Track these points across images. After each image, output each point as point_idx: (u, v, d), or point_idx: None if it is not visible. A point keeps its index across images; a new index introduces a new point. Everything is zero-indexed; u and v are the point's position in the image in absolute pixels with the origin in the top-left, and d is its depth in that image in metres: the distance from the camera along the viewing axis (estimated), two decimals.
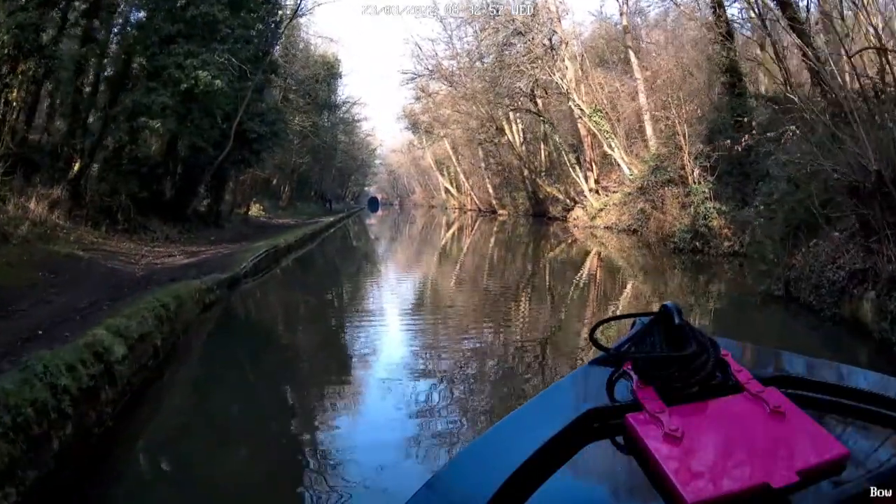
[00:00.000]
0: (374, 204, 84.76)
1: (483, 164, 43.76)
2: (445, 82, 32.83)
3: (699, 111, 15.92)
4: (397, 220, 52.50)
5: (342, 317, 9.62)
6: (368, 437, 4.52)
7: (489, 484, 0.82)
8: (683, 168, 15.29)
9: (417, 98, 39.28)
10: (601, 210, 23.78)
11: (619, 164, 28.79)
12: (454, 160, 50.43)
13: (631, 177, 22.65)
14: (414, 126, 48.04)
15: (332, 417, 5.08)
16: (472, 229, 34.20)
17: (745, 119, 14.06)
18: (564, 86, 22.34)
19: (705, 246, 14.10)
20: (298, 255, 18.12)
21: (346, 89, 62.63)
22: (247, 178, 32.74)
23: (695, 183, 14.64)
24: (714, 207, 13.72)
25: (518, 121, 33.92)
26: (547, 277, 14.35)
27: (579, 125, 28.54)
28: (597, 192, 26.13)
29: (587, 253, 18.85)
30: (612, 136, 23.09)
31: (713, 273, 13.28)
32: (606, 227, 22.88)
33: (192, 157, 18.65)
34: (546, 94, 23.16)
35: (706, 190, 13.67)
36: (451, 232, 34.53)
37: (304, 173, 42.99)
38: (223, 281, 9.97)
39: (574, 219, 27.58)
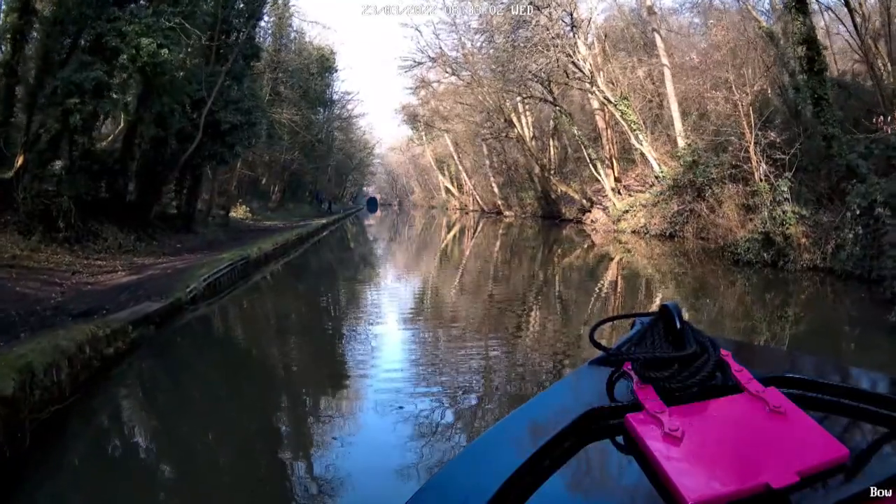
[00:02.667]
0: (372, 204, 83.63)
1: (487, 162, 40.92)
2: (448, 70, 29.91)
3: (768, 90, 13.12)
4: (396, 221, 49.73)
5: (314, 368, 6.81)
6: None
7: (489, 484, 0.81)
8: (748, 161, 12.47)
9: (416, 88, 36.28)
10: (626, 212, 20.97)
11: (641, 161, 26.13)
12: (455, 158, 47.60)
13: (662, 174, 19.88)
14: (413, 119, 45.13)
15: None
16: (476, 232, 31.42)
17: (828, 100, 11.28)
18: (587, 70, 19.50)
19: (780, 258, 11.30)
20: (279, 265, 15.28)
21: (344, 86, 59.97)
22: (232, 177, 30.06)
23: (761, 180, 11.84)
24: (793, 211, 10.91)
25: (527, 113, 31.11)
26: (568, 296, 11.52)
27: (597, 117, 25.78)
28: (618, 191, 23.32)
29: (621, 266, 16.03)
30: (640, 128, 20.30)
31: (790, 293, 10.51)
32: (634, 232, 20.09)
33: (155, 152, 15.88)
34: (567, 77, 20.30)
35: (785, 189, 10.86)
36: (452, 234, 31.83)
37: (297, 172, 40.17)
38: (150, 315, 7.18)
39: (592, 221, 24.76)
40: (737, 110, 12.58)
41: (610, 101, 19.71)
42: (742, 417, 0.94)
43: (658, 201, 19.26)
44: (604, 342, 1.14)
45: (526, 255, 19.69)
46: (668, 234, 18.17)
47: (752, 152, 12.11)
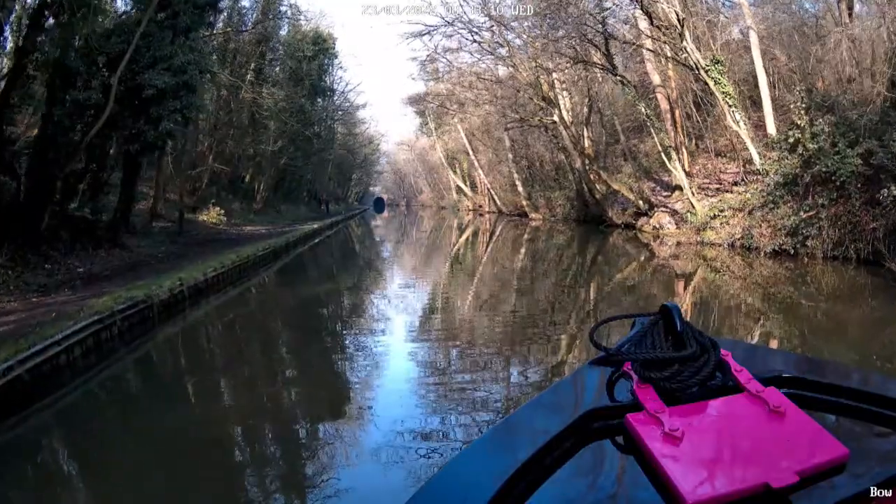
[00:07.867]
0: (379, 205, 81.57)
1: (511, 156, 35.42)
2: (469, 37, 24.45)
3: None
4: (404, 222, 44.45)
5: None
6: None
7: (489, 484, 0.80)
8: None
9: (425, 61, 30.70)
10: (714, 217, 15.49)
11: (704, 151, 20.74)
12: (470, 152, 42.14)
13: (763, 166, 14.47)
14: (421, 101, 39.59)
15: None
16: (496, 238, 26.05)
17: None
18: (674, 19, 14.05)
19: None
20: (206, 310, 9.80)
21: (346, 78, 54.88)
22: (203, 172, 24.93)
23: None
24: None
25: (564, 94, 25.69)
26: None
27: (658, 96, 20.35)
28: (691, 190, 17.83)
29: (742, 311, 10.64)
30: (736, 103, 14.85)
31: None
32: (730, 245, 14.62)
33: (42, 131, 10.75)
34: (655, 30, 14.70)
35: None
36: (465, 237, 26.59)
37: (291, 169, 34.94)
38: None
39: (655, 228, 19.23)
40: None
41: (700, 65, 14.25)
42: (742, 417, 0.92)
43: (765, 202, 13.84)
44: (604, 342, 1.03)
45: (580, 283, 14.31)
46: (786, 250, 12.81)
47: None
